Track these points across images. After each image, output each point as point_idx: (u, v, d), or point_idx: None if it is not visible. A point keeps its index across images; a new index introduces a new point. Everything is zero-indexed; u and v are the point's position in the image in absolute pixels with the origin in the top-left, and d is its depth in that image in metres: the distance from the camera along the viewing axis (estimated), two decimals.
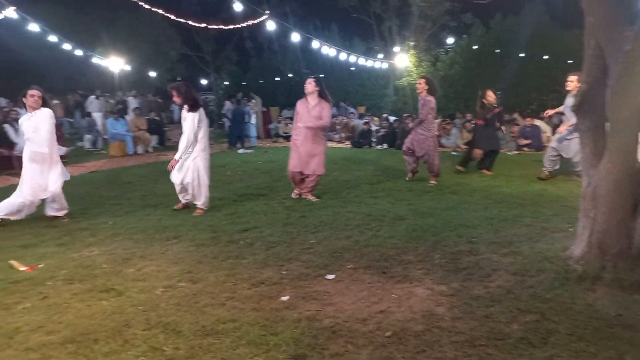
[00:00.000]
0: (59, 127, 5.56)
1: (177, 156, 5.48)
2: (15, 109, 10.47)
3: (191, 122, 5.41)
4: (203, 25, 15.43)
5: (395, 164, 8.91)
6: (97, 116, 14.66)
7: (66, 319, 2.87)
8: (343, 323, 2.77)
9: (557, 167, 7.26)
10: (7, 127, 9.25)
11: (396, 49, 19.62)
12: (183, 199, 5.67)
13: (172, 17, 14.15)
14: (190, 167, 5.45)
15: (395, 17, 20.41)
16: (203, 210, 5.56)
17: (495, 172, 7.99)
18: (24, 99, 5.15)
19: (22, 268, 3.76)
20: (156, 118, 14.44)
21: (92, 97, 15.87)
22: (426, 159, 7.14)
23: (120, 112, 13.51)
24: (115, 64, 18.46)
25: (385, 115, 16.23)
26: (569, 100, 6.65)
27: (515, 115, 13.35)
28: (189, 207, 5.69)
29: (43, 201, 5.29)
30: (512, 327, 2.68)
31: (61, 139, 9.38)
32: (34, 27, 12.38)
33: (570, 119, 6.69)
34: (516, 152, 11.30)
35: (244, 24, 14.73)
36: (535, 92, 17.76)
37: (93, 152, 12.38)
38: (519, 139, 11.62)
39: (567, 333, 2.59)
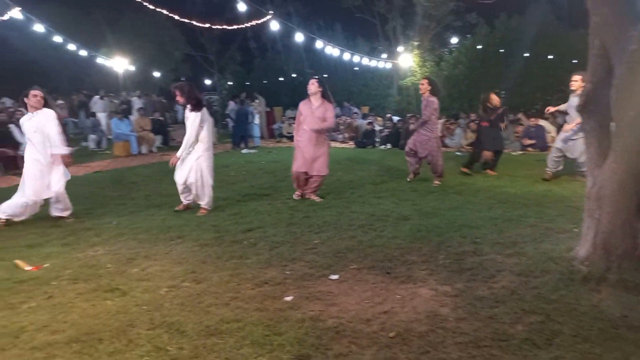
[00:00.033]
0: (63, 127, 5.61)
1: (178, 153, 5.49)
2: (20, 109, 10.51)
3: (193, 121, 5.42)
4: (207, 25, 15.48)
5: (399, 164, 8.89)
6: (102, 116, 14.72)
7: (71, 318, 2.89)
8: (347, 323, 2.77)
9: (560, 167, 7.23)
10: (12, 127, 9.30)
11: (400, 48, 19.58)
12: (185, 199, 5.67)
13: (176, 17, 14.19)
14: (193, 166, 5.46)
15: (399, 17, 20.36)
16: (207, 210, 5.57)
17: (500, 172, 7.97)
18: (25, 99, 5.17)
19: (28, 268, 3.78)
20: (160, 118, 14.49)
21: (97, 97, 15.94)
22: (430, 159, 7.12)
23: (124, 112, 13.54)
24: (119, 64, 18.53)
25: (388, 115, 16.20)
26: (574, 100, 6.62)
27: (520, 115, 13.31)
28: (190, 208, 5.68)
29: (46, 201, 5.31)
30: (517, 328, 2.67)
31: (66, 140, 9.43)
32: (39, 27, 12.45)
33: (575, 119, 6.67)
34: (520, 152, 11.26)
35: (248, 24, 14.76)
36: (540, 92, 17.65)
37: (97, 152, 12.44)
38: (524, 139, 11.58)
39: (572, 334, 2.58)
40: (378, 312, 2.92)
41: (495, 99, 8.16)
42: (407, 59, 19.04)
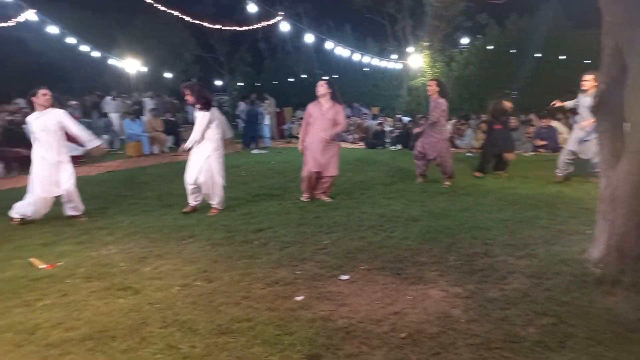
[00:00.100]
0: None
1: (186, 145, 5.54)
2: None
3: (200, 120, 5.45)
4: (218, 26, 15.57)
5: (408, 165, 8.86)
6: (114, 117, 14.84)
7: (85, 316, 2.93)
8: (357, 324, 2.77)
9: (570, 169, 7.15)
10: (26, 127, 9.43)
11: (410, 49, 19.53)
12: (193, 200, 5.66)
13: (187, 19, 14.29)
14: (203, 166, 5.47)
15: (409, 17, 20.32)
16: (218, 210, 5.60)
17: (511, 174, 7.91)
18: (33, 98, 5.24)
19: (42, 266, 3.84)
20: (172, 119, 14.58)
21: (109, 98, 16.09)
22: (439, 161, 7.10)
23: (136, 112, 13.67)
24: (131, 65, 18.70)
25: (398, 115, 16.18)
26: (585, 100, 6.56)
27: (531, 116, 13.20)
28: (197, 210, 5.67)
29: (57, 198, 5.35)
30: (529, 330, 2.66)
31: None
32: (53, 29, 12.62)
33: (586, 118, 6.60)
34: (532, 153, 11.18)
35: (258, 25, 14.81)
36: (551, 92, 17.52)
37: (110, 152, 12.56)
38: (535, 140, 11.49)
39: (585, 337, 2.56)
40: (388, 312, 2.92)
41: (507, 105, 8.12)
42: (417, 60, 19.00)
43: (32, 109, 5.33)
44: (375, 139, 13.70)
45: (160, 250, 4.20)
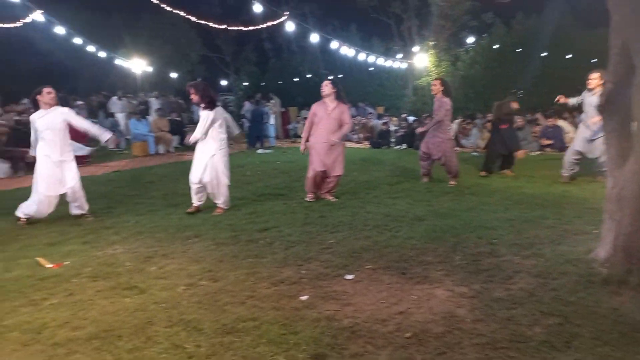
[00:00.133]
0: None
1: (190, 139, 5.57)
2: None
3: (203, 119, 5.47)
4: (223, 27, 15.61)
5: (414, 165, 8.84)
6: (120, 117, 14.93)
7: (91, 315, 2.94)
8: (362, 323, 2.77)
9: (576, 169, 7.10)
10: None
11: (415, 48, 19.49)
12: (197, 200, 5.66)
13: (193, 19, 14.34)
14: (208, 165, 5.48)
15: (414, 17, 20.29)
16: (223, 210, 5.61)
17: (517, 173, 7.88)
18: (38, 96, 5.26)
19: (49, 265, 3.86)
20: (177, 119, 14.64)
21: (115, 97, 16.18)
22: (444, 161, 7.08)
23: (142, 112, 13.73)
24: (137, 65, 18.79)
25: (404, 115, 16.14)
26: (592, 99, 6.51)
27: (538, 115, 13.13)
28: (201, 210, 5.67)
29: (62, 198, 5.37)
30: (535, 330, 2.64)
31: (85, 138, 9.61)
32: (59, 30, 12.69)
33: (592, 117, 6.55)
34: (538, 152, 11.12)
35: (264, 25, 14.83)
36: (558, 92, 17.45)
37: (116, 152, 12.61)
38: (541, 139, 11.44)
39: (592, 337, 2.54)
40: (394, 312, 2.92)
41: (514, 106, 8.09)
42: (422, 59, 18.95)
43: (35, 107, 5.36)
44: (380, 139, 13.69)
45: (166, 250, 4.22)
